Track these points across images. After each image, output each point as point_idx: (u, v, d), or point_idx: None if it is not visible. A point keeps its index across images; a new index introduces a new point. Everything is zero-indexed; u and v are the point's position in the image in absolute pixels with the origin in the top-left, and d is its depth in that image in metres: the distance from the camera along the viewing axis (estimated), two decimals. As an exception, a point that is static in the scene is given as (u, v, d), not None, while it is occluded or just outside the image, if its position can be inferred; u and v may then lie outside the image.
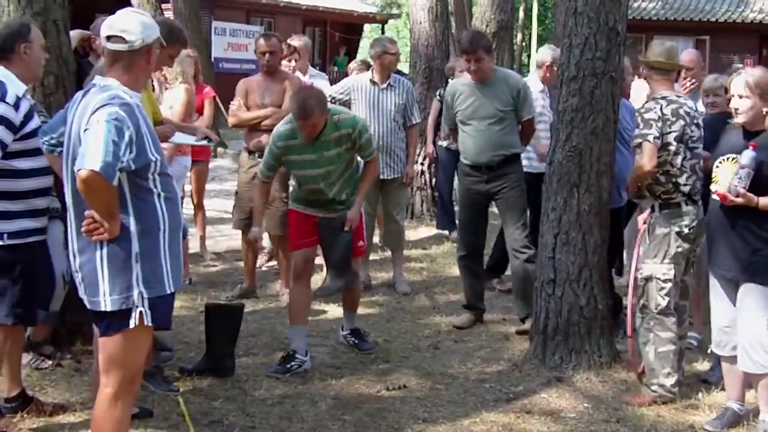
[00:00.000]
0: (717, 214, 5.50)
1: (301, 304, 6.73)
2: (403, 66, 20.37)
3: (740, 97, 5.41)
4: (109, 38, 4.26)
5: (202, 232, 9.88)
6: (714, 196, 5.46)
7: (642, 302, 6.07)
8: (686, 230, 5.95)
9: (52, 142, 4.56)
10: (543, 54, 8.91)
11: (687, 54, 7.93)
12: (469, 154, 7.65)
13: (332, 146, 6.42)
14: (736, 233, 5.39)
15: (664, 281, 5.97)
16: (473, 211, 7.76)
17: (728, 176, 5.35)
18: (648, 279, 6.03)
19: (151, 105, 5.87)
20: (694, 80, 7.53)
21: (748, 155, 5.24)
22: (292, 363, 6.48)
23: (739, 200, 5.25)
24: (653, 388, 6.03)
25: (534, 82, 8.68)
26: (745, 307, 5.41)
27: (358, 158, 6.73)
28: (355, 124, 6.52)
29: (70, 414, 5.52)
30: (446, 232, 11.49)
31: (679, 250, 5.97)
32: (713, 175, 5.51)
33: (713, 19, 31.27)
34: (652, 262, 6.01)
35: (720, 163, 5.47)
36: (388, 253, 9.36)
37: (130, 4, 15.00)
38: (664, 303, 5.99)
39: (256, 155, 8.11)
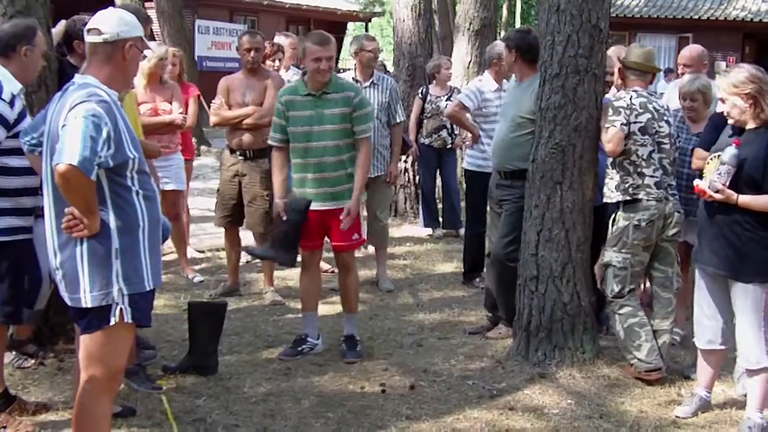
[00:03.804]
0: (706, 212, 5.54)
1: (311, 292, 6.95)
2: (388, 64, 20.37)
3: (722, 101, 5.51)
4: (88, 31, 4.32)
5: (185, 231, 9.87)
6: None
7: (602, 287, 6.48)
8: (643, 224, 6.21)
9: (33, 141, 4.56)
10: (498, 47, 8.40)
11: (688, 50, 7.97)
12: (491, 153, 7.55)
13: (332, 105, 6.54)
14: (724, 231, 5.43)
15: (620, 269, 6.31)
16: (492, 213, 7.50)
17: (713, 173, 5.41)
18: (606, 266, 6.38)
19: (131, 113, 5.82)
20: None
21: (729, 152, 5.29)
22: (303, 346, 6.83)
23: (718, 196, 5.29)
24: (633, 362, 6.34)
25: (488, 81, 8.54)
26: (738, 306, 5.47)
27: None
28: (358, 91, 6.77)
29: (53, 413, 5.51)
30: (430, 230, 11.51)
31: (635, 242, 6.25)
32: (705, 172, 5.56)
33: (696, 17, 31.37)
34: (611, 251, 6.34)
35: (710, 159, 5.54)
36: (372, 251, 9.36)
37: (113, 4, 14.97)
38: (617, 289, 6.33)
39: (238, 154, 8.12)
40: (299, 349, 6.80)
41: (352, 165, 6.65)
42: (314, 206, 6.57)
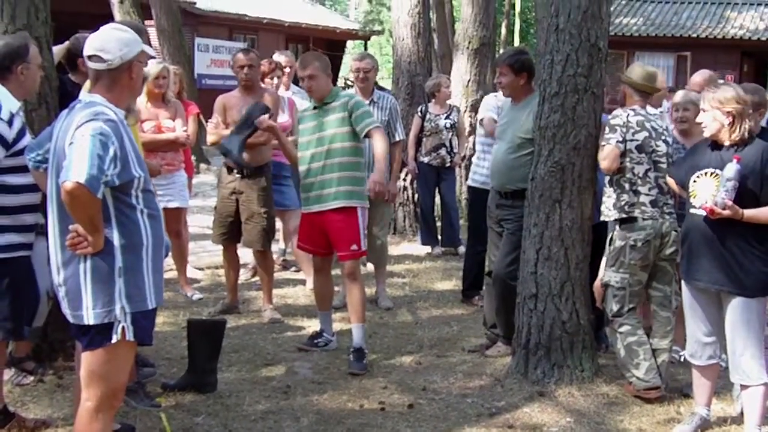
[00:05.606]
0: (700, 228, 5.52)
1: (324, 294, 7.47)
2: (387, 82, 20.38)
3: (703, 111, 5.58)
4: (89, 58, 4.31)
5: (186, 248, 9.86)
6: (694, 211, 5.52)
7: (603, 306, 6.48)
8: (639, 243, 6.23)
9: (38, 158, 4.59)
10: None
11: (699, 76, 8.02)
12: (490, 173, 7.57)
13: (331, 113, 7.06)
14: (722, 247, 5.43)
15: (618, 289, 6.34)
16: (491, 231, 7.54)
17: (709, 190, 5.43)
18: (606, 286, 6.40)
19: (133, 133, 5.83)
20: None
21: (733, 168, 5.29)
22: (319, 339, 7.40)
23: (727, 212, 5.29)
24: (632, 380, 6.35)
25: (502, 96, 8.53)
26: (734, 319, 5.47)
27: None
28: (352, 96, 7.34)
29: (52, 430, 5.50)
30: (428, 248, 11.51)
31: (633, 261, 6.27)
32: (690, 190, 5.57)
33: (694, 35, 31.38)
34: (610, 271, 6.36)
35: (697, 177, 5.54)
36: (371, 269, 9.36)
37: (113, 20, 14.98)
38: (616, 308, 6.35)
39: (235, 171, 8.11)
40: (315, 341, 7.37)
41: (353, 169, 7.05)
42: (314, 209, 7.05)
